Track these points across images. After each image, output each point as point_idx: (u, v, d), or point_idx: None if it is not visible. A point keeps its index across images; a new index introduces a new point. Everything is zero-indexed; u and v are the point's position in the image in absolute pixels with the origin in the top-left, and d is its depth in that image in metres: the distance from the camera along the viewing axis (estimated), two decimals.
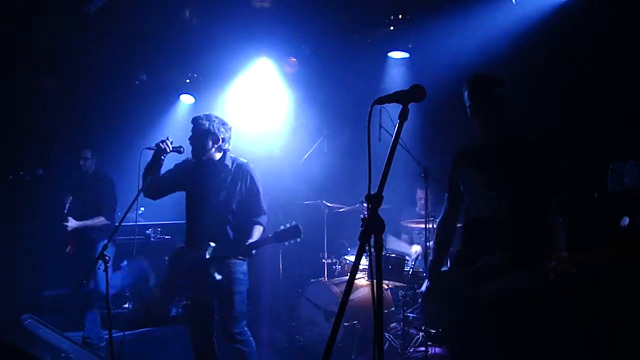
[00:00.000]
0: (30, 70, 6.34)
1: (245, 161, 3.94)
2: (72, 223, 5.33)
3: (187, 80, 7.47)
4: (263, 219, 3.91)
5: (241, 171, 3.86)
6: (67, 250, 5.47)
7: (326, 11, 5.76)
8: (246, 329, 3.81)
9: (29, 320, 3.67)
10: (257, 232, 3.82)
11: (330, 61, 6.37)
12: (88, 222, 5.45)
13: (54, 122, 6.83)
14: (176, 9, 5.91)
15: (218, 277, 3.63)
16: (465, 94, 2.79)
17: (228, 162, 3.88)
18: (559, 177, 2.76)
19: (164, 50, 6.55)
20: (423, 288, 3.01)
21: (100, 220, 5.50)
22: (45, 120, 6.78)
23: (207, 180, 3.85)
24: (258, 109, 6.95)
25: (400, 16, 5.70)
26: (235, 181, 3.83)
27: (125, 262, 6.60)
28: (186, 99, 7.48)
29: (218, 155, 3.87)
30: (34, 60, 6.23)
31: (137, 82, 7.37)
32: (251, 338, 3.83)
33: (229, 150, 3.93)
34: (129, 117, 7.17)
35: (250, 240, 3.70)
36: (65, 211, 5.38)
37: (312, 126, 6.50)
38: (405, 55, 6.05)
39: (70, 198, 5.46)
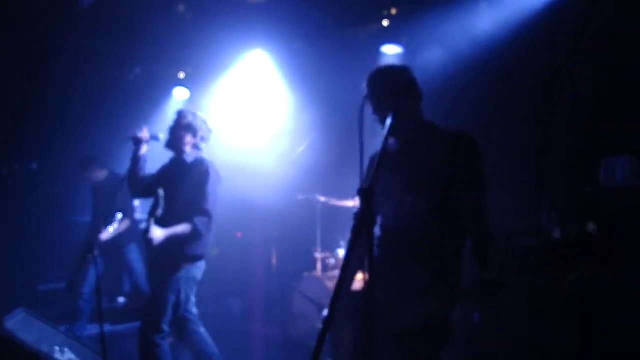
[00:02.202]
0: (23, 64, 6.30)
1: (208, 159, 3.82)
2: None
3: (182, 75, 7.44)
4: (198, 220, 3.56)
5: (196, 166, 3.73)
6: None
7: (319, 4, 5.74)
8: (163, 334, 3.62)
9: (23, 314, 3.66)
10: (176, 229, 3.52)
11: (323, 55, 6.35)
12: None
13: (47, 116, 6.80)
14: (170, 2, 5.90)
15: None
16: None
17: (190, 158, 3.78)
18: (481, 172, 2.39)
19: (158, 43, 6.52)
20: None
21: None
22: (39, 114, 6.75)
23: (173, 178, 3.77)
24: (251, 103, 6.93)
25: (394, 10, 5.69)
26: (188, 176, 3.70)
27: None
28: (180, 93, 7.45)
29: (189, 151, 3.79)
30: (26, 54, 6.19)
31: (131, 76, 7.35)
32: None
33: (201, 150, 3.85)
34: (124, 111, 7.14)
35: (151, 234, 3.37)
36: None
37: (305, 120, 6.49)
38: (399, 49, 6.04)
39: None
